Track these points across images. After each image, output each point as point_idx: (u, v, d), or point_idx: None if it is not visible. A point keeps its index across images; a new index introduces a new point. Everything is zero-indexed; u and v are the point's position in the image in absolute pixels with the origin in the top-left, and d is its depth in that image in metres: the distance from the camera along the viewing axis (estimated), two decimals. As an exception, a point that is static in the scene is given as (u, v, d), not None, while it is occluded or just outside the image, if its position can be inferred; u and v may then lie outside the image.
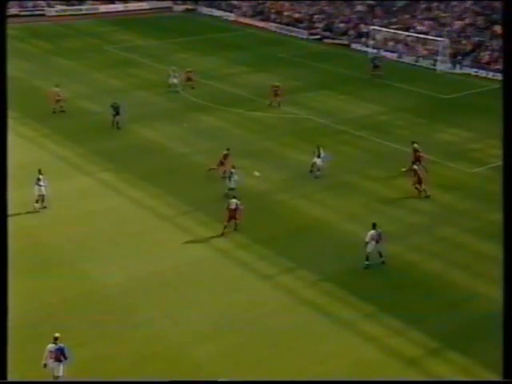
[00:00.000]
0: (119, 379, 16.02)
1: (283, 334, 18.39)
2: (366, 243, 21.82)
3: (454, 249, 23.29)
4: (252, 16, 66.95)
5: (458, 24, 53.21)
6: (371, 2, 61.84)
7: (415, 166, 28.12)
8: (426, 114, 38.99)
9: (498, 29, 50.88)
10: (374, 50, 53.38)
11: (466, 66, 48.22)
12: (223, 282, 21.06)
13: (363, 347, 17.84)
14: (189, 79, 43.14)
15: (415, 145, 30.12)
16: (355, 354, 17.56)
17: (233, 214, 23.84)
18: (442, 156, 32.01)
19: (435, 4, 57.22)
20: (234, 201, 23.95)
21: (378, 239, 21.93)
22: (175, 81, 42.21)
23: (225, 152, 28.63)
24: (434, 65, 49.00)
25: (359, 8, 61.99)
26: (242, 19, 66.86)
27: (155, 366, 16.87)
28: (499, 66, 46.82)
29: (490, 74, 46.38)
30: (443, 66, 48.43)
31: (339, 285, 20.88)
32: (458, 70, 48.25)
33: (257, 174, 26.18)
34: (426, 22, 54.98)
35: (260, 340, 18.13)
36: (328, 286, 20.93)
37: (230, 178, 26.86)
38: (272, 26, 63.81)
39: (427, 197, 27.23)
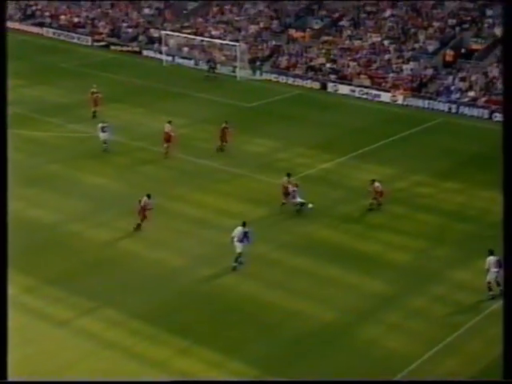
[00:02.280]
0: None
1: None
2: (232, 239, 23.82)
3: (269, 267, 24.48)
4: (21, 20, 64.33)
5: (253, 28, 56.34)
6: (159, 5, 62.98)
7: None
8: (230, 124, 40.54)
9: (292, 32, 54.88)
10: (169, 58, 54.40)
11: (266, 71, 51.24)
12: (8, 334, 19.73)
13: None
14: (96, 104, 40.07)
15: (168, 124, 35.53)
16: (172, 397, 17.61)
17: (142, 212, 26.44)
18: (250, 168, 33.57)
19: (228, 7, 60.03)
20: (145, 198, 26.67)
21: (241, 238, 23.70)
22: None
23: (286, 179, 29.48)
24: (234, 71, 51.31)
25: (147, 11, 62.76)
26: (10, 24, 63.86)
27: None
28: (298, 72, 50.51)
29: (290, 80, 49.82)
30: (243, 72, 50.92)
31: (149, 321, 20.84)
32: (258, 77, 51.06)
33: (310, 205, 28.43)
34: (220, 26, 57.41)
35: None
36: (136, 324, 20.79)
37: (293, 196, 28.65)
38: (48, 31, 61.92)
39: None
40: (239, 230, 23.95)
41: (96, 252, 25.06)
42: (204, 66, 52.33)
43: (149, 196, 26.88)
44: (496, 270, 22.15)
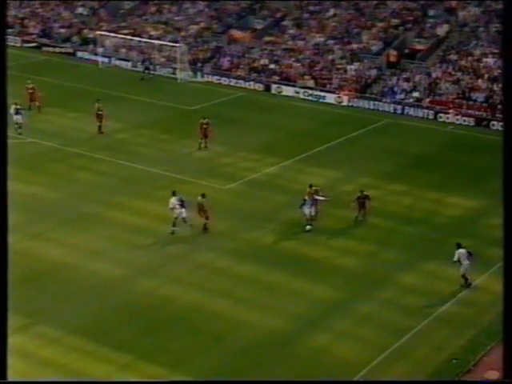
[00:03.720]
0: None
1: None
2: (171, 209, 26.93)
3: (214, 275, 24.41)
4: None
5: (193, 28, 56.21)
6: (93, 4, 62.15)
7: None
8: (172, 128, 40.36)
9: (234, 33, 55.00)
10: (106, 59, 53.79)
11: (208, 73, 51.19)
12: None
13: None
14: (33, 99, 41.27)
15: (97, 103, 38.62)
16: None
17: (202, 211, 27.07)
18: (194, 174, 33.42)
19: (166, 6, 59.72)
20: (199, 198, 27.30)
21: (182, 204, 26.84)
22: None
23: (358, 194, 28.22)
24: (174, 73, 51.08)
25: (80, 10, 61.83)
26: None
27: None
28: (240, 73, 50.65)
29: (233, 82, 49.89)
30: (184, 74, 50.75)
31: (88, 337, 20.52)
32: (199, 79, 50.95)
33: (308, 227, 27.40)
34: (159, 26, 57.06)
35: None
36: (74, 340, 20.44)
37: (302, 205, 27.60)
38: (-26, 32, 60.42)
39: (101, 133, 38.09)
40: (174, 199, 27.08)
41: (30, 265, 24.43)
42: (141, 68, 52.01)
43: (203, 195, 27.58)
44: (467, 262, 23.08)
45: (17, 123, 37.07)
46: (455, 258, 23.13)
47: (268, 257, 25.76)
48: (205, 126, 36.42)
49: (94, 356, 19.72)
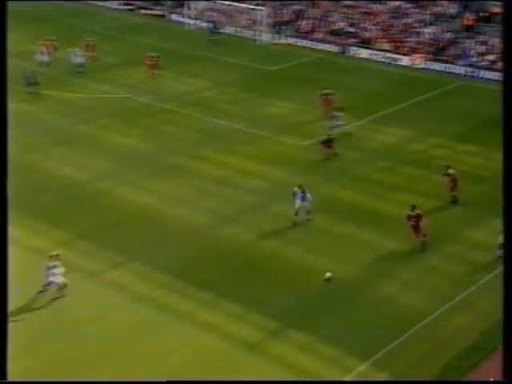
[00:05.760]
0: None
1: (116, 335, 18.17)
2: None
3: (289, 225, 24.44)
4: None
5: (277, -8, 55.35)
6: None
7: None
8: (253, 87, 40.32)
9: (316, -3, 53.88)
10: (192, 21, 53.90)
11: (288, 35, 50.52)
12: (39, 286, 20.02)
13: (204, 338, 18.24)
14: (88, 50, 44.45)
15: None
16: (196, 346, 17.93)
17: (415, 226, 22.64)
18: (272, 130, 33.41)
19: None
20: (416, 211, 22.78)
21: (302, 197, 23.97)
22: (78, 60, 42.51)
23: None
24: (256, 35, 50.65)
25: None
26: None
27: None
28: (319, 36, 49.72)
29: (312, 44, 49.07)
30: (265, 36, 50.29)
31: (174, 275, 21.09)
32: (280, 41, 50.40)
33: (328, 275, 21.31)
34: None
35: (88, 345, 17.75)
36: (162, 277, 21.04)
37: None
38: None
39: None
40: (295, 190, 24.20)
41: (123, 209, 25.27)
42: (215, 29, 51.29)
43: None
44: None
45: (77, 63, 41.40)
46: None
47: (339, 210, 25.63)
48: (329, 97, 35.29)
49: (180, 293, 20.28)
